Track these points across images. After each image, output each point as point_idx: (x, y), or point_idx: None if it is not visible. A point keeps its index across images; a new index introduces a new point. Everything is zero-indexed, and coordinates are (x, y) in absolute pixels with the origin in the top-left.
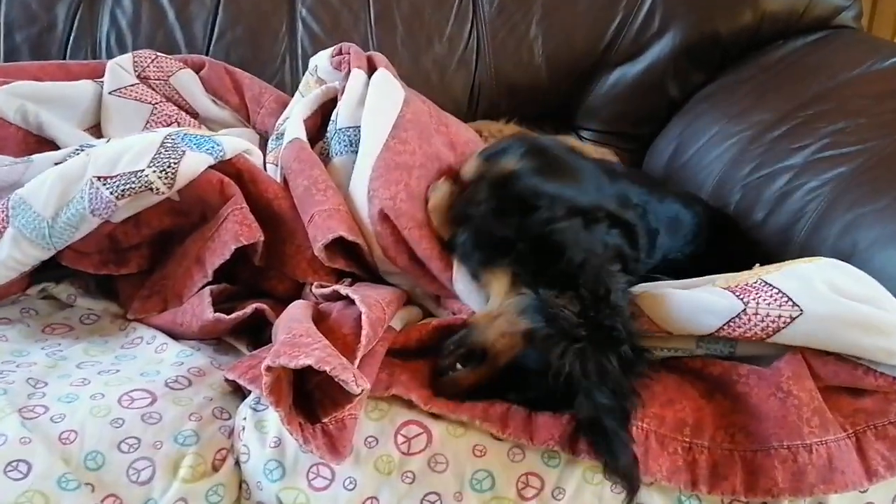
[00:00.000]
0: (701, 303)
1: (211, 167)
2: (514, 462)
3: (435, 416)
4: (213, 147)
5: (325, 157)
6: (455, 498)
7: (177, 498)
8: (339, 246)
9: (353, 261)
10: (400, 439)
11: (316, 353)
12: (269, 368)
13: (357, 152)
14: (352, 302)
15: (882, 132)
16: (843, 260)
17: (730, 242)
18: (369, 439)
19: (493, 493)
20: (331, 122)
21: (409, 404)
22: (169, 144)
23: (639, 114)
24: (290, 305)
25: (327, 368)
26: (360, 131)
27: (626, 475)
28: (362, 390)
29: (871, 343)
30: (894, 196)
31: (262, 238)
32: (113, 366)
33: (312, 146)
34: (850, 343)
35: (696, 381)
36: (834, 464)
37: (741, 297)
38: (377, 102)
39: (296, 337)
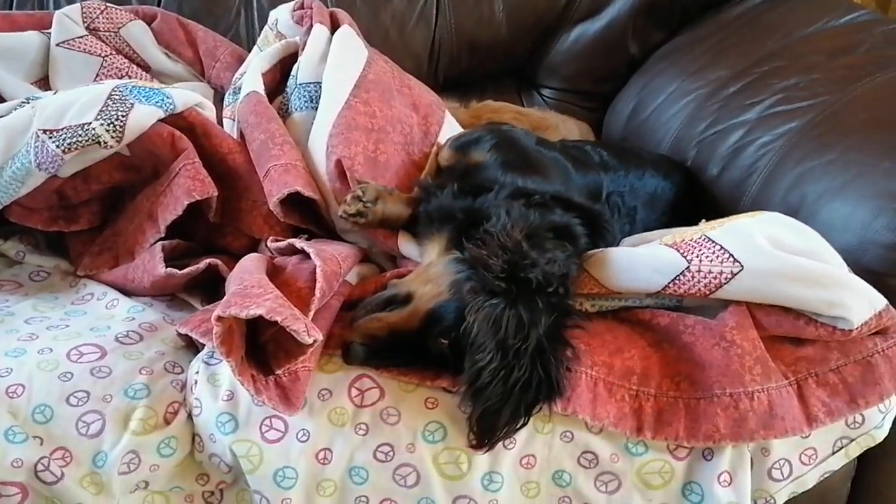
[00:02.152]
0: (647, 261)
1: (162, 121)
2: (464, 414)
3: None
4: (162, 100)
5: (284, 113)
6: (408, 449)
7: (127, 450)
8: (295, 202)
9: (310, 218)
10: (354, 392)
11: (267, 303)
12: (219, 319)
13: (317, 108)
14: (307, 256)
15: (833, 87)
16: (791, 213)
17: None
18: (323, 392)
19: (445, 443)
20: (291, 77)
21: None
22: (117, 97)
23: (599, 71)
24: (244, 258)
25: (278, 318)
26: (321, 87)
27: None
28: (314, 341)
29: (811, 294)
30: (841, 150)
31: (216, 193)
32: (62, 321)
33: (271, 101)
34: (790, 296)
35: (644, 331)
36: (775, 410)
37: (685, 254)
38: (340, 59)
39: (247, 288)
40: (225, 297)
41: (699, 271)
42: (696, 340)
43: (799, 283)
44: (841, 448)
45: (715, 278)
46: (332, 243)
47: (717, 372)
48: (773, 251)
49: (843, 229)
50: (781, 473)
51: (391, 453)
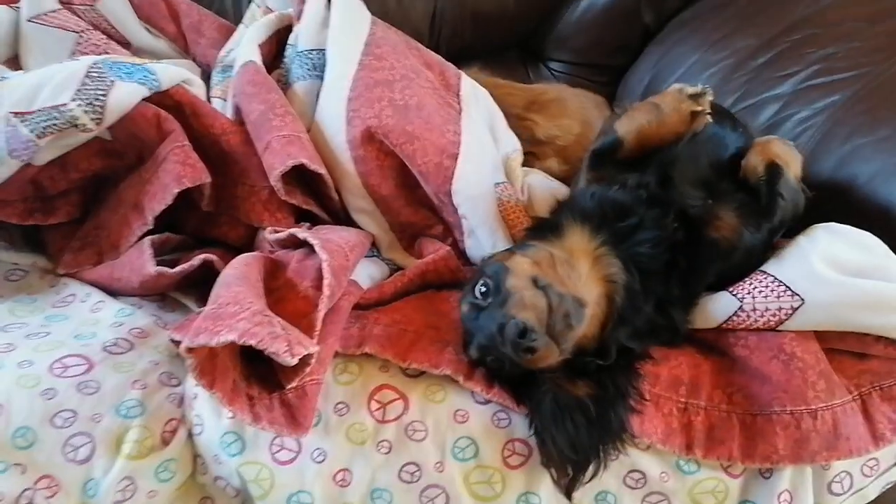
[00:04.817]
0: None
1: (145, 100)
2: (498, 428)
3: (412, 379)
4: (146, 76)
5: (283, 86)
6: (436, 468)
7: (121, 476)
8: (298, 180)
9: (313, 198)
10: (374, 405)
11: (241, 324)
12: (190, 350)
13: (322, 77)
14: (311, 250)
15: (876, 57)
16: (839, 196)
17: None
18: (339, 406)
19: (477, 461)
20: (288, 47)
21: (384, 365)
22: (95, 74)
23: (611, 42)
24: (232, 262)
25: (253, 342)
26: (324, 54)
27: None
28: (304, 357)
29: (881, 321)
30: (895, 126)
31: (209, 179)
32: (42, 328)
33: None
34: (859, 324)
35: (689, 343)
36: (839, 430)
37: (735, 293)
38: (344, 21)
39: (221, 307)
40: (196, 321)
41: (755, 310)
42: (750, 353)
43: (867, 311)
44: None
45: (773, 315)
46: (336, 230)
47: (777, 387)
48: (835, 277)
49: None
50: (842, 487)
51: (418, 473)
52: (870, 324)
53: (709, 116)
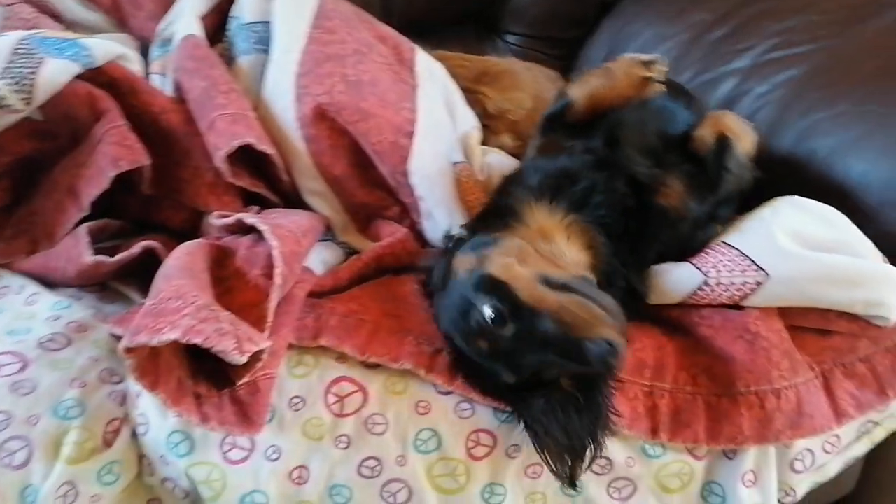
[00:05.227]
0: (661, 278)
1: (78, 77)
2: (462, 419)
3: (371, 369)
4: (78, 52)
5: (227, 61)
6: (397, 462)
7: (62, 482)
8: (245, 161)
9: (262, 180)
10: (331, 399)
11: (184, 321)
12: (129, 350)
13: (268, 51)
14: (260, 236)
15: (834, 30)
16: (799, 171)
17: None
18: (294, 400)
19: (440, 453)
20: (231, 19)
21: (341, 356)
22: (23, 51)
23: (567, 15)
24: (173, 252)
25: (198, 340)
26: (269, 27)
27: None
28: (256, 352)
29: (845, 296)
30: (854, 100)
31: (149, 161)
32: None
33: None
34: (822, 299)
35: (654, 321)
36: (803, 408)
37: (700, 266)
38: None
39: (161, 302)
40: (135, 319)
41: (719, 284)
42: (715, 334)
43: (832, 286)
44: (865, 433)
45: (738, 290)
46: (287, 213)
47: (741, 367)
48: (800, 252)
49: (860, 188)
50: (804, 464)
51: (378, 468)
52: (833, 299)
53: (660, 86)
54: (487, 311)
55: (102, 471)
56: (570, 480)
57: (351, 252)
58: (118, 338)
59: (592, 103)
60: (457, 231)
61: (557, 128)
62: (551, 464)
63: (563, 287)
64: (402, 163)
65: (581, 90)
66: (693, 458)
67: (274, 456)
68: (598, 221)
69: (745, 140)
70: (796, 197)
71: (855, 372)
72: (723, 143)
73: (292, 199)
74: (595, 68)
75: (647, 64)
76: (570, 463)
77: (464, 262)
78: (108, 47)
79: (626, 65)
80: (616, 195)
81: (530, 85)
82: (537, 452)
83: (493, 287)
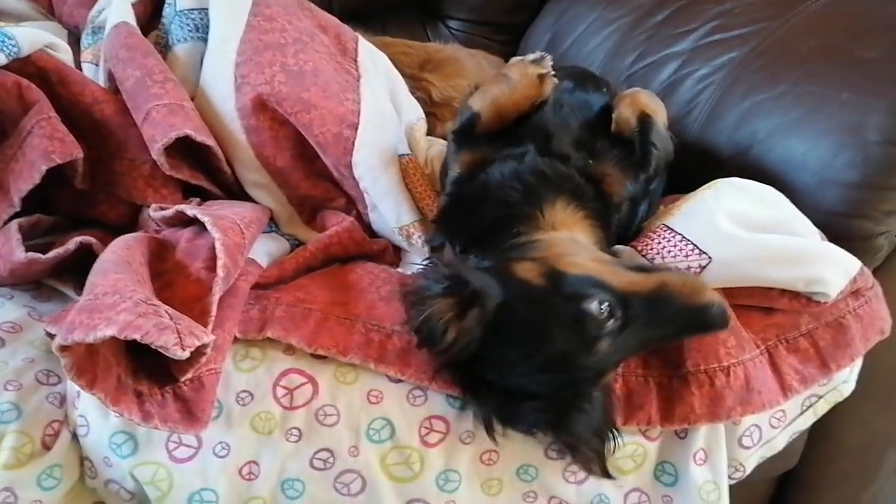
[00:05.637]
0: None
1: (4, 67)
2: (414, 406)
3: (320, 360)
4: (3, 42)
5: (163, 48)
6: (350, 453)
7: (0, 488)
8: (184, 152)
9: (203, 172)
10: (280, 392)
11: (122, 316)
12: (64, 348)
13: (206, 39)
14: (202, 228)
15: (772, 12)
16: (741, 153)
17: None
18: (242, 395)
19: (394, 442)
20: (167, 5)
21: (289, 348)
22: None
23: (509, 0)
24: (110, 245)
25: (137, 336)
26: (207, 14)
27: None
28: (199, 347)
29: (786, 274)
30: (793, 81)
31: (81, 154)
32: None
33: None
34: (764, 279)
35: None
36: (751, 384)
37: (645, 253)
38: None
39: (97, 297)
40: (70, 315)
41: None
42: None
43: (772, 265)
44: (809, 407)
45: None
46: (229, 205)
47: (689, 347)
48: (740, 234)
49: (800, 168)
50: (752, 440)
51: (331, 459)
52: (775, 278)
53: (554, 79)
54: (598, 308)
55: (42, 475)
56: (603, 471)
57: (297, 244)
58: (54, 337)
59: (498, 111)
60: (427, 237)
61: (472, 141)
62: (584, 463)
63: (638, 268)
64: (346, 155)
65: (483, 100)
66: (646, 439)
67: (222, 452)
68: (594, 216)
69: (661, 114)
70: (736, 178)
71: (798, 347)
72: (644, 121)
73: (235, 192)
74: (490, 76)
75: (536, 62)
76: (597, 456)
77: (525, 270)
78: (35, 36)
79: (518, 67)
80: (586, 190)
81: (474, 72)
82: (567, 452)
83: (589, 284)
